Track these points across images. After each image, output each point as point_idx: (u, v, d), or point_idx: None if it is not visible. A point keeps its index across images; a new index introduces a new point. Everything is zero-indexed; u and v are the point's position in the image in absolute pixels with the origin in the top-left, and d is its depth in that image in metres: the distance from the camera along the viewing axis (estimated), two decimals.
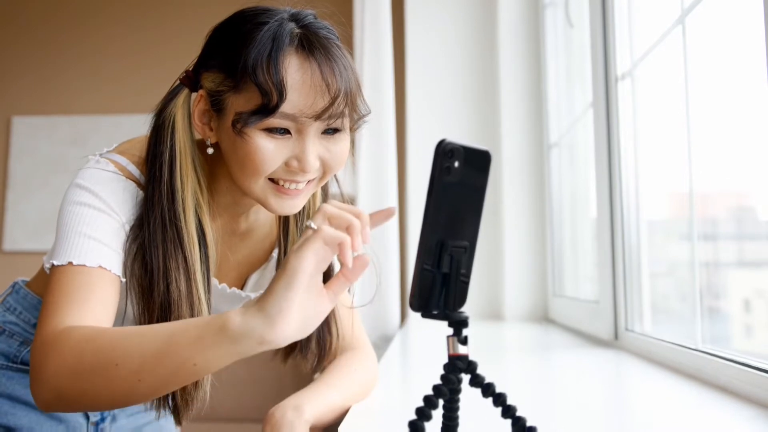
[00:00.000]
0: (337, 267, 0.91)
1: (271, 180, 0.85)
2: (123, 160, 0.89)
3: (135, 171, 0.89)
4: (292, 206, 0.87)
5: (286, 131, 0.83)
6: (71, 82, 3.89)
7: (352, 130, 0.90)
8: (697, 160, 1.23)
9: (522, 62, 2.42)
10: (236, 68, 0.81)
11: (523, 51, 2.43)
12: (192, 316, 0.85)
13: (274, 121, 0.81)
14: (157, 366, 0.68)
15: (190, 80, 0.90)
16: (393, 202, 2.31)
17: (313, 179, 0.87)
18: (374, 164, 2.28)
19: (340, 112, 0.83)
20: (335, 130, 0.86)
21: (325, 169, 0.87)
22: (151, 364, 0.68)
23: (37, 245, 3.72)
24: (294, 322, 0.65)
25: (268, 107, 0.80)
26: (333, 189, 1.03)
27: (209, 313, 0.89)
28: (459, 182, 0.60)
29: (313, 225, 0.67)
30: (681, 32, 1.28)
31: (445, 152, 0.59)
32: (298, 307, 0.65)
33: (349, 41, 0.90)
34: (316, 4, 0.90)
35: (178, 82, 0.91)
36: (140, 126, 0.92)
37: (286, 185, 0.85)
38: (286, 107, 0.80)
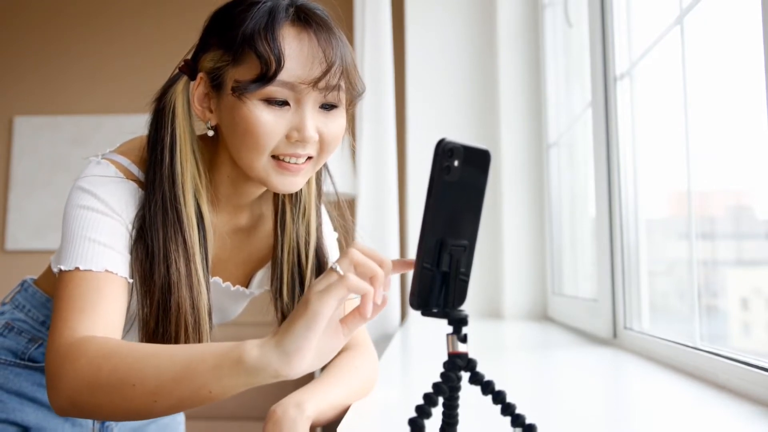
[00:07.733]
0: None
1: (273, 157, 0.86)
2: (124, 161, 0.90)
3: (136, 171, 0.90)
4: (293, 183, 0.88)
5: (284, 103, 0.84)
6: (73, 81, 3.90)
7: (349, 107, 0.91)
8: (695, 159, 1.24)
9: (521, 62, 2.43)
10: (234, 41, 0.84)
11: (522, 51, 2.43)
12: (192, 297, 0.87)
13: (272, 90, 0.83)
14: (173, 390, 0.69)
15: (189, 68, 0.91)
16: (393, 202, 2.31)
17: (312, 157, 0.88)
18: (374, 164, 2.28)
19: (336, 82, 0.85)
20: (332, 106, 0.88)
21: (322, 145, 0.88)
22: (168, 387, 0.69)
23: (40, 244, 3.73)
24: (309, 358, 0.68)
25: (267, 75, 0.82)
26: (327, 187, 1.04)
27: (208, 295, 0.90)
28: (459, 181, 0.61)
29: (339, 269, 0.67)
30: (679, 32, 1.28)
31: (444, 151, 0.59)
32: (314, 345, 0.67)
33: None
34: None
35: (177, 71, 0.92)
36: (142, 126, 0.93)
37: (287, 159, 0.86)
38: (284, 75, 0.82)
